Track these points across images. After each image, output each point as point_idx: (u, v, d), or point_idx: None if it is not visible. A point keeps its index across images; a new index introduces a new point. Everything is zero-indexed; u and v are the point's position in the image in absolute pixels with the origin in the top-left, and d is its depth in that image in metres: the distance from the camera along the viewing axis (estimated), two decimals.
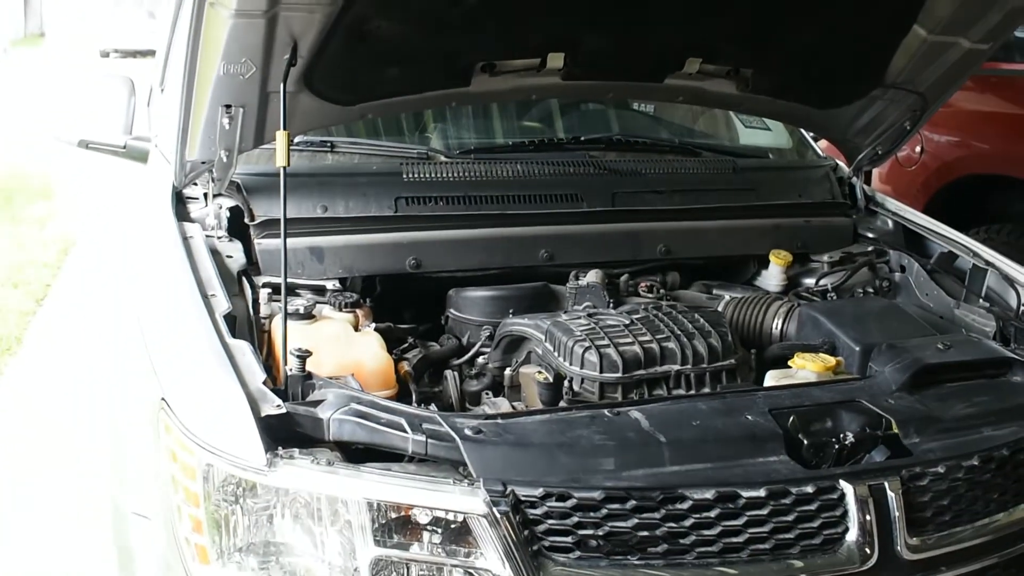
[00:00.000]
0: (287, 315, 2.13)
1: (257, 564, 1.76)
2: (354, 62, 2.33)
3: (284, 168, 2.10)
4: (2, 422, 4.56)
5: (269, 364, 2.10)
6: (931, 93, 2.87)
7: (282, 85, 2.15)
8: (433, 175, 2.67)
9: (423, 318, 2.63)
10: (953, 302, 2.69)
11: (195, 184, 2.57)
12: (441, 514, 1.69)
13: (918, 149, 5.13)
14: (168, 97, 3.09)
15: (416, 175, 2.66)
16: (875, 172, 5.44)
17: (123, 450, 2.15)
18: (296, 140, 2.72)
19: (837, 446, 1.86)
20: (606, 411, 1.87)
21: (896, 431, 1.91)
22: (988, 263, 2.77)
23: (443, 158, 2.77)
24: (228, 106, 2.27)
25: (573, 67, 2.54)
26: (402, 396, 2.17)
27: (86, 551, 3.35)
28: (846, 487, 1.79)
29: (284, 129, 2.11)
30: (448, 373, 2.37)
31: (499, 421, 1.82)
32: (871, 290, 2.87)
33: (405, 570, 1.71)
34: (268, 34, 2.11)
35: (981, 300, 2.70)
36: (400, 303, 2.64)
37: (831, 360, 2.16)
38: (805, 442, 1.85)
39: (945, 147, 5.08)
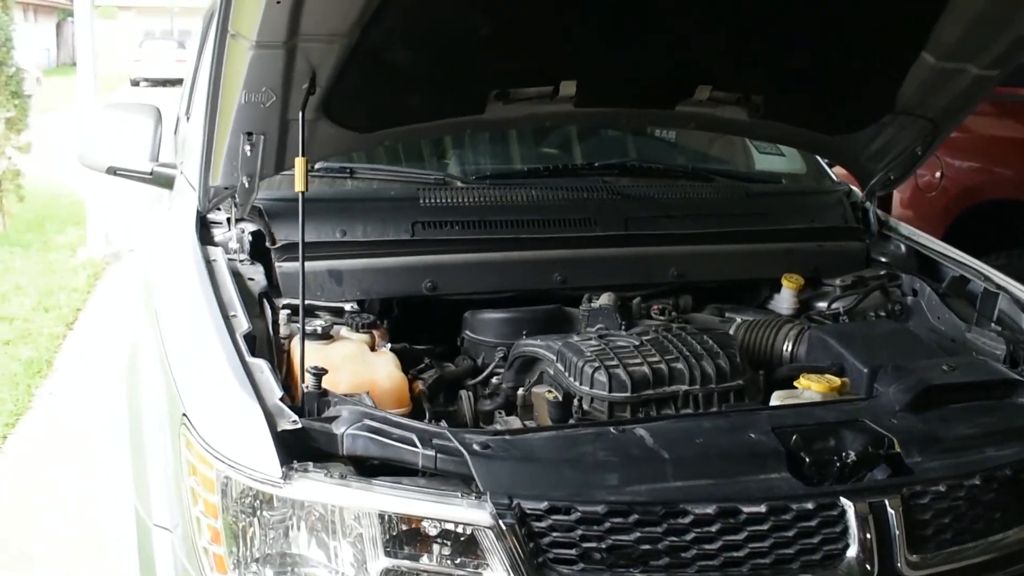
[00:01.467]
0: (305, 335, 2.20)
1: (274, 574, 1.81)
2: (371, 90, 2.40)
3: (303, 193, 2.17)
4: (34, 442, 4.68)
5: (288, 383, 2.16)
6: (942, 119, 2.91)
7: (301, 113, 2.22)
8: (449, 200, 2.74)
9: (440, 340, 2.68)
10: (964, 325, 2.71)
11: (219, 209, 2.65)
12: (449, 526, 1.74)
13: (938, 175, 5.15)
14: (193, 125, 3.18)
15: (433, 200, 2.73)
16: (896, 198, 5.48)
17: (146, 464, 2.21)
18: (316, 167, 2.81)
19: (839, 464, 1.89)
20: (612, 428, 1.92)
21: (898, 450, 1.94)
22: (999, 287, 2.79)
23: (460, 184, 2.84)
24: (249, 133, 2.35)
25: (586, 95, 2.60)
26: (417, 414, 2.22)
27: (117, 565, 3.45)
28: (847, 504, 1.83)
29: (303, 156, 2.18)
30: (463, 393, 2.42)
31: (507, 437, 1.87)
32: (883, 314, 2.89)
33: None
34: (287, 64, 2.19)
35: (993, 324, 2.72)
36: (418, 325, 2.69)
37: (836, 381, 2.19)
38: (807, 460, 1.88)
39: (966, 172, 5.10)
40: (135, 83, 29.17)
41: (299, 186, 2.18)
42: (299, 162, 2.18)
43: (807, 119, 2.91)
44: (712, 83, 2.68)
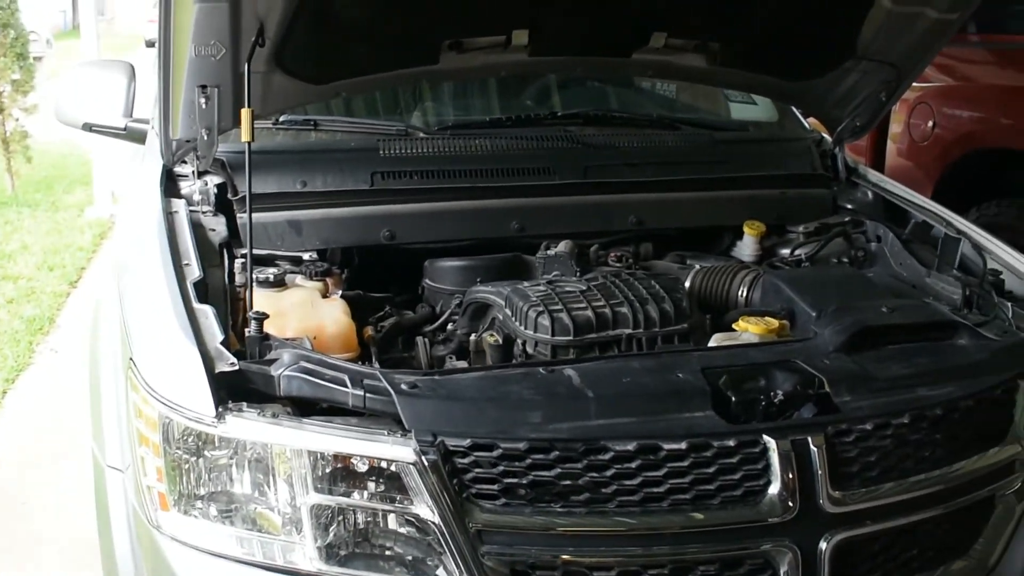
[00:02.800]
0: (258, 283, 2.26)
1: (218, 512, 1.88)
2: (322, 42, 2.43)
3: (249, 143, 2.21)
4: (34, 398, 4.78)
5: (243, 330, 2.22)
6: (904, 64, 2.90)
7: (247, 65, 2.26)
8: (410, 151, 2.77)
9: (404, 288, 2.73)
10: (925, 271, 2.72)
11: (185, 162, 2.70)
12: (378, 463, 1.80)
13: (931, 124, 5.13)
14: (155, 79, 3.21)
15: (393, 151, 2.76)
16: (891, 148, 5.46)
17: (101, 407, 2.28)
18: (281, 119, 2.85)
19: (765, 403, 1.92)
20: (540, 368, 1.95)
21: (827, 390, 1.96)
22: (960, 232, 2.79)
23: (422, 134, 2.87)
24: (204, 86, 2.38)
25: (539, 44, 2.62)
26: (366, 360, 2.28)
27: None
28: (769, 441, 1.86)
29: (248, 107, 2.22)
30: (419, 339, 2.46)
31: (435, 377, 1.92)
32: (846, 260, 2.91)
33: (346, 516, 1.82)
34: (234, 17, 2.21)
35: (954, 269, 2.73)
36: (381, 275, 2.74)
37: (774, 323, 2.22)
38: (733, 399, 1.91)
39: (958, 121, 5.07)
40: (150, 44, 29.05)
41: (245, 136, 2.23)
42: (244, 113, 2.23)
43: (767, 65, 2.91)
44: (667, 30, 2.69)
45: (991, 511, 2.12)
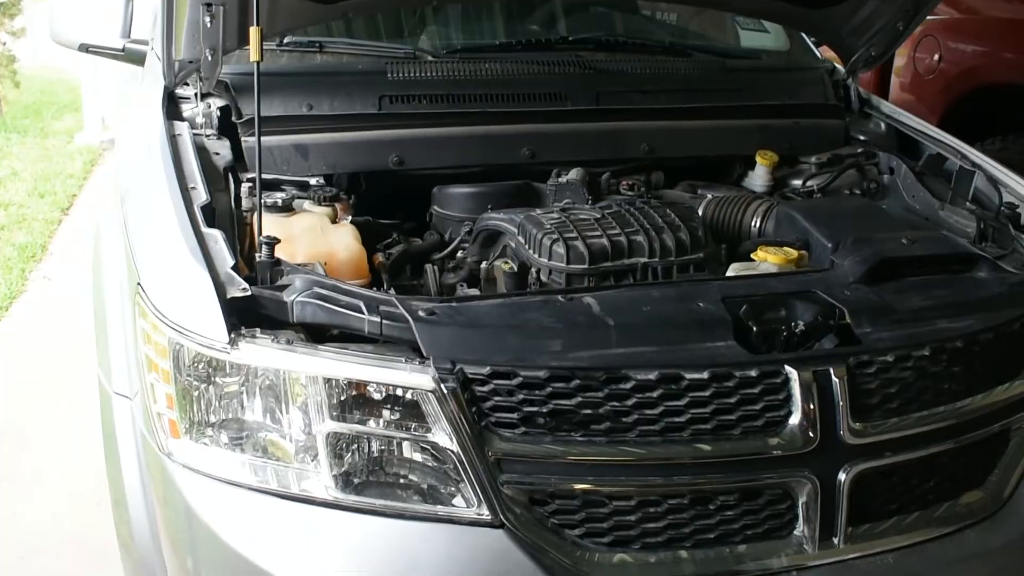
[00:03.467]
0: (266, 207, 2.21)
1: (229, 439, 1.84)
2: None
3: (258, 63, 2.14)
4: (27, 325, 4.74)
5: (251, 256, 2.17)
6: None
7: None
8: (418, 74, 2.71)
9: (411, 216, 2.69)
10: (938, 204, 2.68)
11: (187, 84, 2.63)
12: (394, 391, 1.77)
13: (936, 58, 5.06)
14: None
15: (401, 74, 2.69)
16: (894, 82, 5.40)
17: (106, 334, 2.24)
18: (285, 41, 2.77)
19: (786, 333, 1.90)
20: (559, 296, 1.92)
21: (848, 321, 1.94)
22: (975, 165, 2.75)
23: (430, 57, 2.80)
24: (208, 4, 2.31)
25: None
26: (377, 287, 2.23)
27: None
28: (791, 372, 1.84)
29: (257, 25, 2.15)
30: (428, 267, 2.42)
31: (453, 304, 1.88)
32: (858, 191, 2.87)
33: (361, 444, 1.80)
34: None
35: (967, 202, 2.69)
36: (387, 201, 2.69)
37: (793, 253, 2.19)
38: (755, 329, 1.89)
39: (964, 56, 5.00)
40: None
41: (254, 56, 2.15)
42: (253, 31, 2.15)
43: None
44: None
45: (1007, 443, 2.11)
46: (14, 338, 4.61)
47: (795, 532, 1.87)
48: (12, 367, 4.28)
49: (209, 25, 2.33)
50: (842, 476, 1.86)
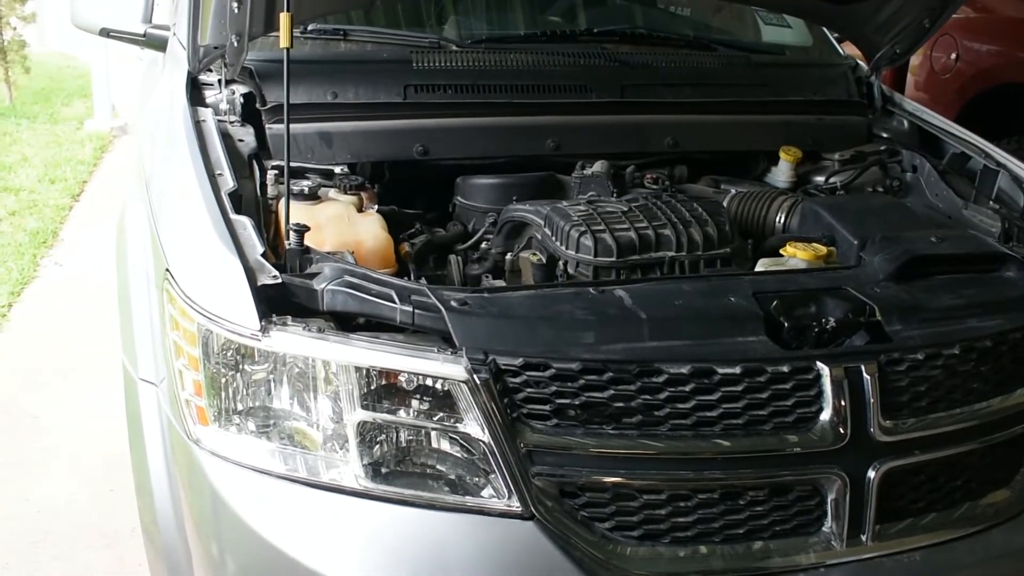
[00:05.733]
0: (292, 195, 2.20)
1: (256, 427, 1.84)
2: None
3: (287, 50, 2.13)
4: (40, 310, 4.74)
5: (276, 243, 2.16)
6: None
7: None
8: (443, 63, 2.70)
9: (433, 206, 2.68)
10: (962, 202, 2.68)
11: (210, 71, 2.62)
12: (426, 381, 1.76)
13: (953, 56, 5.05)
14: None
15: (426, 63, 2.68)
16: (910, 80, 5.39)
17: (132, 320, 2.23)
18: (309, 28, 2.76)
19: (817, 329, 1.89)
20: (591, 288, 1.91)
21: (879, 318, 1.93)
22: (1000, 164, 2.75)
23: (455, 47, 2.79)
24: None
25: None
26: (402, 276, 2.22)
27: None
28: (822, 368, 1.83)
29: (288, 11, 2.13)
30: (452, 257, 2.42)
31: (485, 295, 1.87)
32: (881, 189, 2.87)
33: (391, 434, 1.79)
34: None
35: (991, 201, 2.69)
36: (410, 190, 2.68)
37: (822, 249, 2.18)
38: (786, 324, 1.88)
39: (982, 55, 5.00)
40: None
41: (284, 42, 2.14)
42: (284, 17, 2.14)
43: None
44: None
45: None
46: (26, 323, 4.60)
47: (823, 529, 1.87)
48: (24, 352, 4.27)
49: (236, 11, 2.32)
50: (871, 473, 1.85)
